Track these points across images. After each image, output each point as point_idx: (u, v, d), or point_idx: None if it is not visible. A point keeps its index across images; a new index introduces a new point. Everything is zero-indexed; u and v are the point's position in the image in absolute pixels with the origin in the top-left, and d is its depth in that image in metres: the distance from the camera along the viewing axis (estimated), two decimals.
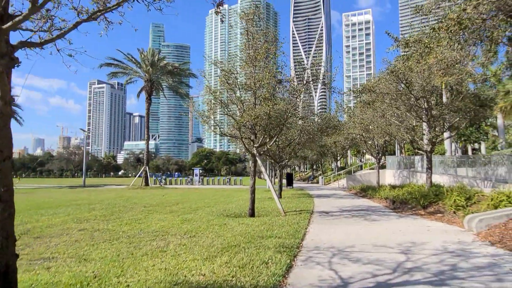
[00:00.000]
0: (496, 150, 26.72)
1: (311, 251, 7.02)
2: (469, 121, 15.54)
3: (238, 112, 11.87)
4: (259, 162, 12.77)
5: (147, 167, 36.78)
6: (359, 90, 14.70)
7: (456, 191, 12.33)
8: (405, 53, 9.21)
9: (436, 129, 15.31)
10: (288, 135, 20.59)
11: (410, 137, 16.34)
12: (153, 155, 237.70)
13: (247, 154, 51.65)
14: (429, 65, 8.07)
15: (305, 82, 11.97)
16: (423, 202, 13.19)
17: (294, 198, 20.71)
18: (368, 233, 8.94)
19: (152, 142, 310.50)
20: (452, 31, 6.79)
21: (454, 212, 11.04)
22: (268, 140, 13.07)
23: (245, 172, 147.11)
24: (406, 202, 14.65)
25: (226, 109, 11.56)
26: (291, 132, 20.48)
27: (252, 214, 12.61)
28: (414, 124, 15.99)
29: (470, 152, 43.21)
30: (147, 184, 36.70)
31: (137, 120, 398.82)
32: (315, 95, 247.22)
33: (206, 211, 14.43)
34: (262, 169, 12.74)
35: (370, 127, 19.76)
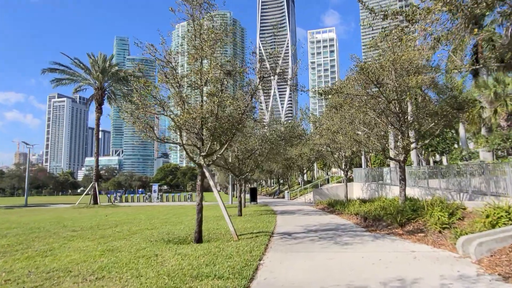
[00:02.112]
0: (464, 161, 25.95)
1: None
2: (443, 127, 14.08)
3: (179, 112, 9.54)
4: (207, 174, 10.45)
5: (96, 184, 33.20)
6: (325, 91, 12.91)
7: (438, 206, 10.57)
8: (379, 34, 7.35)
9: (410, 135, 13.72)
10: (248, 145, 18.47)
11: (381, 146, 14.65)
12: (116, 171, 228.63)
13: (213, 168, 48.77)
14: (416, 39, 6.30)
15: (260, 76, 9.90)
16: (400, 219, 11.33)
17: (255, 215, 18.45)
18: (340, 265, 6.82)
19: (115, 158, 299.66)
20: None
21: (440, 232, 9.20)
22: (218, 148, 10.81)
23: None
24: (380, 219, 12.78)
25: (163, 108, 9.21)
26: (252, 142, 18.38)
27: (199, 239, 10.21)
28: (386, 130, 14.33)
29: (432, 164, 43.00)
30: (96, 202, 33.04)
31: (100, 135, 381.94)
32: (282, 108, 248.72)
33: (145, 235, 11.86)
34: (211, 182, 10.42)
35: (338, 136, 18.04)
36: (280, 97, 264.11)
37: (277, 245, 9.27)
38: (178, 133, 9.41)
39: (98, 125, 34.62)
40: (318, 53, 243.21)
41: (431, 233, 9.47)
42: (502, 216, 7.71)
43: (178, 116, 8.76)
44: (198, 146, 10.37)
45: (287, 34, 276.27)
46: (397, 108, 13.78)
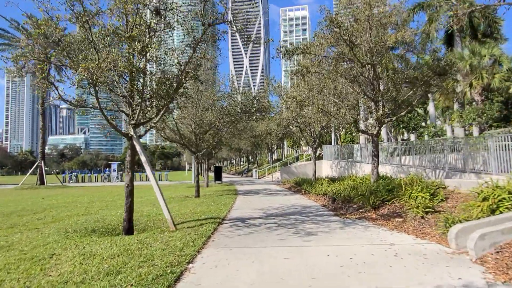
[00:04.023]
0: (436, 137, 24.90)
1: None
2: (421, 96, 12.46)
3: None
4: (138, 148, 8.26)
5: (42, 162, 30.03)
6: (289, 50, 10.83)
7: (418, 185, 8.96)
8: None
9: (385, 105, 11.99)
10: (205, 118, 16.26)
11: (352, 117, 12.87)
12: (81, 150, 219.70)
13: (178, 147, 46.06)
14: None
15: (204, 21, 7.67)
16: (373, 201, 9.66)
17: (214, 196, 16.48)
18: (299, 268, 4.94)
19: (81, 136, 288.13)
20: None
21: (422, 217, 7.55)
22: (154, 115, 8.58)
23: (181, 166, 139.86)
24: (350, 201, 11.11)
25: (68, 58, 6.86)
26: (209, 115, 16.18)
27: (128, 229, 8.11)
28: (358, 99, 12.55)
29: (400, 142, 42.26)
30: (42, 182, 29.97)
31: (65, 112, 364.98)
32: (254, 85, 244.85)
33: (67, 223, 9.61)
34: (143, 158, 8.26)
35: (305, 109, 16.17)
36: (252, 75, 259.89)
37: (223, 237, 7.31)
38: (94, 93, 7.09)
39: (43, 97, 30.96)
40: (291, 31, 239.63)
41: (411, 218, 7.81)
42: (504, 198, 6.06)
43: (83, 65, 6.41)
44: (127, 112, 8.11)
45: (259, 11, 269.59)
46: (371, 75, 11.95)
